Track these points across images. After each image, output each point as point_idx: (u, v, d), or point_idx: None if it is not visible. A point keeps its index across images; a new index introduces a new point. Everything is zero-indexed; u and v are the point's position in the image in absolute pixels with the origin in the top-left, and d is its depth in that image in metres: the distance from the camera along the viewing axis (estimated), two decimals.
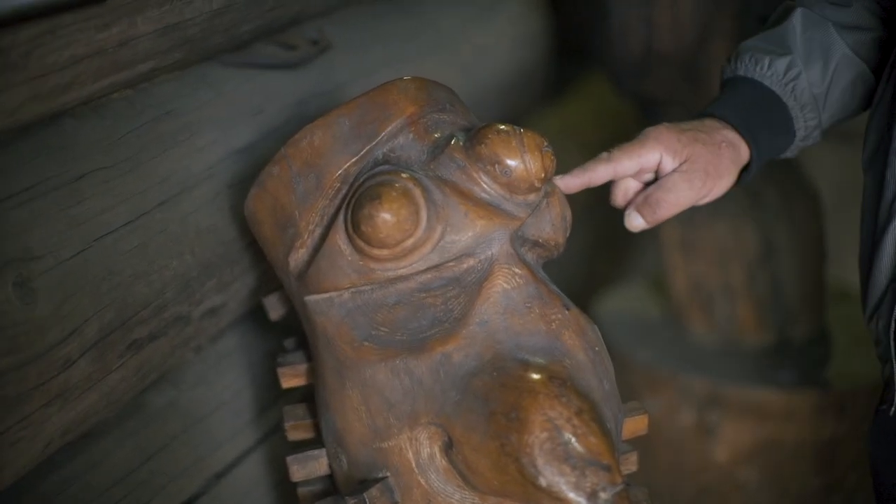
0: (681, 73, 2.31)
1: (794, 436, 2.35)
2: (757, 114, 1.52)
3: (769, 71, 1.52)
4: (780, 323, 2.45)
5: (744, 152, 1.52)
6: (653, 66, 2.32)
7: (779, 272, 2.43)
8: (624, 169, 1.50)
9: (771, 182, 2.42)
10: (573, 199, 2.71)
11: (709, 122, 1.52)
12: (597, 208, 2.88)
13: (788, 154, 1.61)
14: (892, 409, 1.57)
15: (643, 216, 1.51)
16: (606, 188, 2.72)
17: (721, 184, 1.51)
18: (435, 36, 2.15)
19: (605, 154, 1.50)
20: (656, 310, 2.61)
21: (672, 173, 1.49)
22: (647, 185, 1.54)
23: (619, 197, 1.56)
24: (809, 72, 1.53)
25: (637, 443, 2.26)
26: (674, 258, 2.48)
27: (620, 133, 2.84)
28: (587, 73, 2.89)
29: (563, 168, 2.68)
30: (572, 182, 1.51)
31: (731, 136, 1.51)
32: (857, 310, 2.62)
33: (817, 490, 2.39)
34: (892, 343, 1.52)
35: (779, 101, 1.52)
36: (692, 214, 2.43)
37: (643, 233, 2.56)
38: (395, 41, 2.03)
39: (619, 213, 2.95)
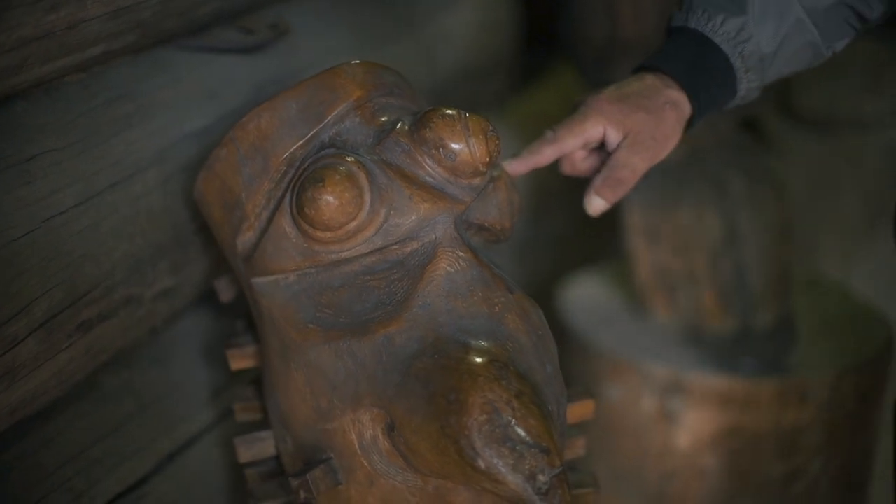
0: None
1: (756, 423, 2.35)
2: (702, 71, 1.50)
3: (721, 29, 1.49)
4: (744, 310, 2.46)
5: (686, 109, 1.50)
6: (616, 54, 2.32)
7: (743, 259, 2.44)
8: (569, 147, 1.50)
9: (735, 169, 2.43)
10: (545, 184, 2.73)
11: (650, 81, 1.51)
12: (567, 195, 2.90)
13: (724, 109, 1.60)
14: None
15: (604, 197, 1.51)
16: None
17: (668, 144, 1.50)
18: (397, 21, 2.16)
19: (549, 133, 1.51)
20: (620, 296, 2.61)
21: (620, 150, 1.49)
22: (595, 150, 1.55)
23: (567, 167, 1.57)
24: (761, 31, 1.50)
25: (598, 429, 2.27)
26: (637, 245, 2.48)
27: None
28: (555, 62, 2.90)
29: None
30: (519, 167, 1.52)
31: (675, 95, 1.49)
32: (823, 298, 2.66)
33: (779, 477, 2.40)
34: None
35: (725, 60, 1.50)
36: (655, 201, 2.45)
37: (611, 219, 2.58)
38: (355, 26, 2.03)
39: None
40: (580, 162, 1.56)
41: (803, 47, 1.53)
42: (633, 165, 1.48)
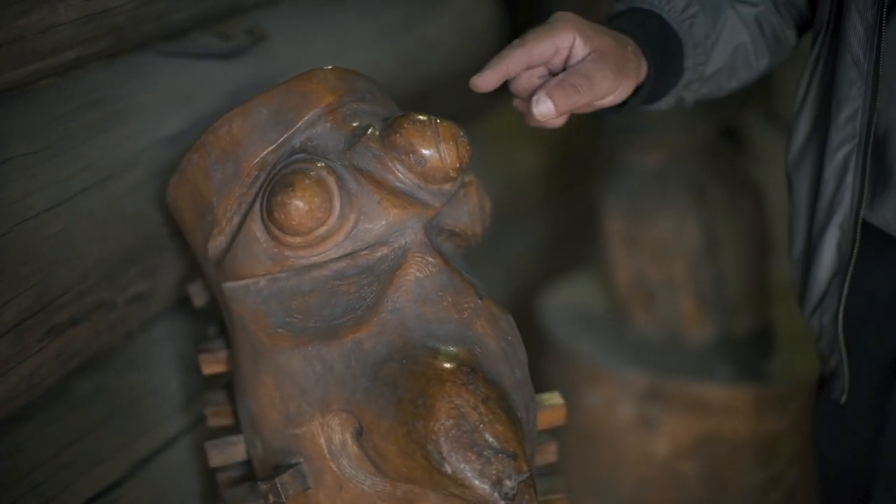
0: None
1: (734, 430, 2.36)
2: (654, 39, 1.47)
3: (668, 5, 1.49)
4: (723, 317, 2.47)
5: (643, 69, 1.45)
6: None
7: (722, 267, 2.44)
8: (539, 52, 1.39)
9: (714, 176, 2.43)
10: (526, 192, 2.73)
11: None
12: (549, 202, 2.90)
13: (663, 104, 1.56)
14: (844, 396, 1.60)
15: (555, 101, 1.36)
16: (559, 182, 2.71)
17: (626, 84, 1.42)
18: (377, 28, 2.16)
19: (517, 41, 1.40)
20: (600, 303, 2.61)
21: (584, 62, 1.39)
22: (553, 75, 1.44)
23: (524, 82, 1.44)
24: (702, 17, 1.51)
25: (576, 436, 2.27)
26: (616, 252, 2.49)
27: (571, 129, 2.87)
28: None
29: (511, 164, 2.68)
30: (491, 77, 1.40)
31: (634, 47, 1.44)
32: None
33: (757, 484, 2.40)
34: (840, 335, 1.55)
35: (674, 35, 1.49)
36: (635, 208, 2.45)
37: (590, 227, 2.58)
38: (334, 32, 2.04)
39: (573, 207, 2.94)
40: (537, 79, 1.44)
41: (737, 47, 1.56)
42: (592, 77, 1.38)
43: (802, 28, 1.65)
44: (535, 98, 1.37)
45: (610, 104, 1.44)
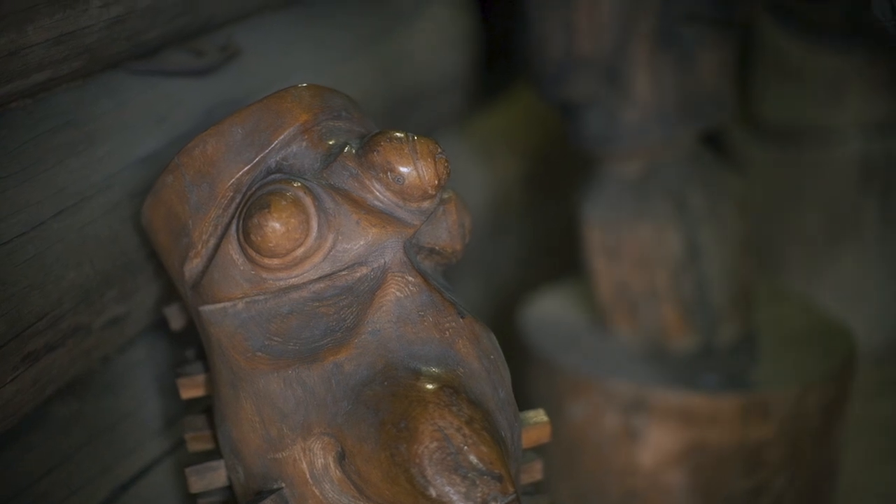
0: (601, 76, 2.30)
1: (719, 439, 2.34)
2: None
3: None
4: (706, 326, 2.45)
5: None
6: (573, 71, 2.31)
7: (704, 275, 2.42)
8: None
9: (694, 184, 2.42)
10: (505, 202, 2.72)
11: None
12: (532, 212, 2.89)
13: None
14: None
15: None
16: (539, 191, 2.70)
17: None
18: (352, 41, 2.14)
19: None
20: (581, 314, 2.59)
21: None
22: None
23: None
24: None
25: (561, 447, 2.25)
26: (597, 262, 2.46)
27: (552, 138, 2.86)
28: (515, 80, 2.89)
29: (491, 175, 2.67)
30: None
31: None
32: (786, 311, 2.65)
33: (744, 493, 2.38)
34: None
35: None
36: (615, 217, 2.43)
37: (571, 237, 2.56)
38: (309, 47, 2.02)
39: (553, 216, 2.93)
40: None
41: None
42: None
43: None
44: None
45: None
